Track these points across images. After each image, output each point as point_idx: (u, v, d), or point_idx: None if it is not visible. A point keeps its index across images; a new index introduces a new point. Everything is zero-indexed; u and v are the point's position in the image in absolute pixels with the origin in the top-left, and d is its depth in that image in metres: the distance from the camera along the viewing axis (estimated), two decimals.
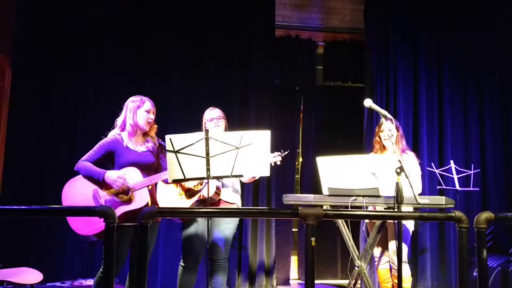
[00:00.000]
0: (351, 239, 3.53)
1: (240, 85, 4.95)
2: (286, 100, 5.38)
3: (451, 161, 4.51)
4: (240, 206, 3.32)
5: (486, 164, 5.05)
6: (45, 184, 4.43)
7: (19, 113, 4.55)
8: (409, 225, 3.58)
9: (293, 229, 5.37)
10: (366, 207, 3.26)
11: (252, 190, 4.81)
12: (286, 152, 3.16)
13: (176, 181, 2.76)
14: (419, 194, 3.23)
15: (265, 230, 4.84)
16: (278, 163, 3.13)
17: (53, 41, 4.65)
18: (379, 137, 3.71)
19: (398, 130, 3.66)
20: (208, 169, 2.66)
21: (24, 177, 4.46)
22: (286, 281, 5.07)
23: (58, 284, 4.16)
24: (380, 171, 3.16)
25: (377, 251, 3.66)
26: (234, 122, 4.30)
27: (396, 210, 2.82)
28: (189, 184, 3.05)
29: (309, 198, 3.59)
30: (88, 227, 2.77)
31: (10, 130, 4.53)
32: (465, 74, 5.19)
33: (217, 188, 3.11)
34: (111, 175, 2.84)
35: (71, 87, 4.68)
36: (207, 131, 2.70)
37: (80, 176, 2.92)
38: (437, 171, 4.47)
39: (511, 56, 5.16)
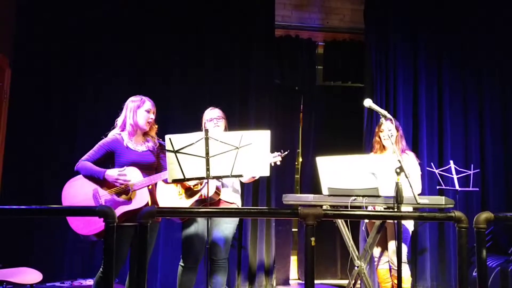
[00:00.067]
0: (351, 239, 3.53)
1: (240, 85, 4.96)
2: (286, 100, 5.38)
3: (451, 161, 4.51)
4: (240, 206, 3.32)
5: (486, 164, 5.05)
6: (45, 184, 4.43)
7: (19, 113, 4.55)
8: (409, 225, 3.58)
9: (293, 229, 5.37)
10: (366, 207, 3.26)
11: (252, 190, 4.81)
12: (286, 152, 3.16)
13: (176, 181, 2.76)
14: (418, 194, 3.24)
15: (265, 230, 4.85)
16: (278, 163, 3.13)
17: (53, 41, 4.65)
18: (379, 137, 3.71)
19: (398, 130, 3.66)
20: (207, 169, 2.67)
21: (24, 177, 4.46)
22: (286, 281, 5.07)
23: (57, 284, 4.17)
24: (379, 171, 3.16)
25: (376, 251, 3.66)
26: (234, 122, 4.30)
27: (395, 210, 2.82)
28: (189, 183, 3.05)
29: (309, 198, 3.60)
30: (88, 227, 2.77)
31: (10, 130, 4.52)
32: (465, 74, 5.19)
33: (217, 188, 3.11)
34: (111, 173, 2.85)
35: (71, 87, 4.68)
36: (206, 131, 2.70)
37: (80, 176, 2.92)
38: (436, 171, 4.47)
39: (511, 56, 5.16)
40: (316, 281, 2.14)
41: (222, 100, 4.24)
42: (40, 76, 4.63)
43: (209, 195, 2.87)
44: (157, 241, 4.02)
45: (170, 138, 2.67)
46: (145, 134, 3.05)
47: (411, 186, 2.85)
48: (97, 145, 2.98)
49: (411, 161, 3.58)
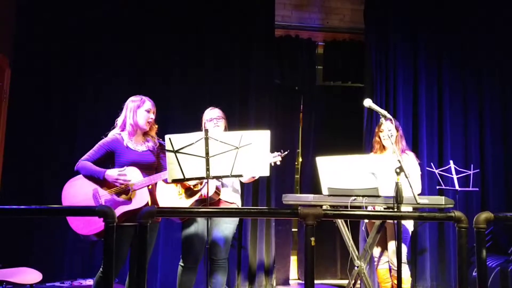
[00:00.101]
0: (351, 239, 3.53)
1: (240, 85, 4.96)
2: (286, 100, 5.38)
3: (451, 161, 4.51)
4: (239, 206, 3.32)
5: (486, 164, 5.05)
6: (45, 184, 4.43)
7: (19, 113, 4.55)
8: (409, 225, 3.58)
9: (293, 229, 5.37)
10: (366, 207, 3.26)
11: (251, 190, 4.81)
12: (286, 152, 3.16)
13: (176, 181, 2.76)
14: (418, 194, 3.24)
15: (264, 230, 4.85)
16: (278, 163, 3.13)
17: (53, 41, 4.65)
18: (379, 137, 3.71)
19: (397, 130, 3.66)
20: (207, 169, 2.67)
21: (24, 177, 4.46)
22: (286, 281, 5.07)
23: (57, 284, 4.17)
24: (379, 171, 3.16)
25: (376, 251, 3.66)
26: (234, 122, 4.30)
27: (395, 210, 2.82)
28: (189, 183, 3.05)
29: (309, 198, 3.60)
30: (88, 226, 2.77)
31: (10, 130, 4.52)
32: (465, 74, 5.19)
33: (217, 188, 3.11)
34: (111, 173, 2.85)
35: (71, 87, 4.68)
36: (206, 131, 2.70)
37: (80, 176, 2.92)
38: (436, 171, 4.47)
39: (511, 56, 5.16)
40: (316, 281, 2.14)
41: (222, 100, 4.24)
42: (40, 76, 4.63)
43: (209, 195, 2.86)
44: (157, 241, 4.02)
45: (170, 138, 2.67)
46: (145, 134, 3.06)
47: (411, 186, 2.85)
48: (97, 145, 2.98)
49: (411, 161, 3.58)
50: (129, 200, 2.86)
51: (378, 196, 3.18)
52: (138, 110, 2.99)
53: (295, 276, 5.32)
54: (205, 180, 2.87)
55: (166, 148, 2.68)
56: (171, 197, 3.04)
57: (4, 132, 4.52)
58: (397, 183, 2.83)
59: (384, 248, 3.63)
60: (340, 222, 3.56)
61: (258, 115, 4.90)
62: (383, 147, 3.73)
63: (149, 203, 2.91)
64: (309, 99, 5.49)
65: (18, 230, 4.31)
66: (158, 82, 4.75)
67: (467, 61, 5.19)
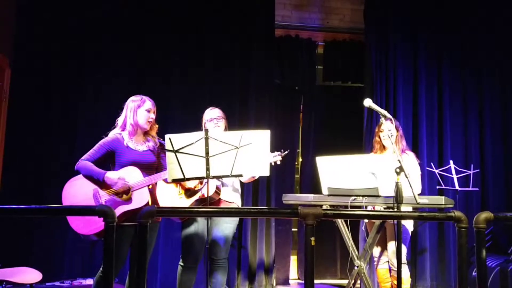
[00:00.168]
0: (351, 239, 3.54)
1: (240, 85, 4.96)
2: (286, 100, 5.38)
3: (451, 161, 4.51)
4: (239, 206, 3.32)
5: (486, 164, 5.05)
6: (45, 184, 4.43)
7: (19, 113, 4.55)
8: (408, 225, 3.58)
9: (293, 229, 5.37)
10: (366, 207, 3.26)
11: (251, 189, 4.81)
12: (286, 152, 3.16)
13: (176, 181, 2.76)
14: (418, 194, 3.24)
15: (264, 230, 4.85)
16: (278, 162, 3.13)
17: (53, 41, 4.65)
18: (379, 137, 3.71)
19: (397, 130, 3.66)
20: (207, 169, 2.67)
21: (24, 177, 4.46)
22: (286, 281, 5.07)
23: (57, 283, 4.17)
24: (379, 171, 3.16)
25: (376, 251, 3.66)
26: (234, 122, 4.30)
27: (395, 210, 2.82)
28: (189, 184, 3.05)
29: (309, 198, 3.60)
30: (88, 226, 2.77)
31: (10, 130, 4.53)
32: (465, 74, 5.19)
33: (217, 187, 3.12)
34: (111, 176, 2.85)
35: (71, 87, 4.68)
36: (206, 130, 2.70)
37: (80, 175, 2.92)
38: (436, 171, 4.48)
39: (511, 56, 5.16)
40: (316, 281, 2.14)
41: (222, 100, 4.24)
42: (40, 76, 4.63)
43: (209, 194, 2.86)
44: (157, 241, 4.01)
45: (170, 138, 2.67)
46: (146, 133, 3.06)
47: (411, 186, 2.85)
48: (97, 145, 2.98)
49: (411, 161, 3.58)
50: (129, 200, 2.86)
51: (378, 196, 3.18)
52: (138, 110, 2.99)
53: (295, 276, 5.33)
54: (205, 180, 2.87)
55: (166, 148, 2.68)
56: (171, 196, 3.04)
57: (4, 132, 4.52)
58: (397, 183, 2.83)
59: (384, 248, 3.63)
60: (340, 222, 3.56)
61: (258, 115, 4.90)
62: (383, 147, 3.73)
63: (149, 203, 2.91)
64: (309, 99, 5.50)
65: (18, 230, 4.31)
66: (158, 82, 4.75)
67: (467, 61, 5.19)
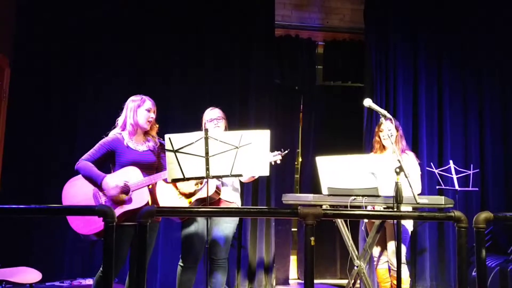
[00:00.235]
0: (350, 238, 3.54)
1: (240, 85, 4.96)
2: (286, 100, 5.38)
3: (451, 161, 4.51)
4: (239, 205, 3.32)
5: (486, 164, 5.05)
6: (45, 184, 4.43)
7: (19, 113, 4.55)
8: (408, 225, 3.58)
9: (293, 229, 5.37)
10: (366, 207, 3.26)
11: (251, 189, 4.81)
12: (286, 151, 3.16)
13: (176, 181, 2.76)
14: (418, 194, 3.24)
15: (264, 230, 4.85)
16: (279, 162, 3.13)
17: (53, 41, 4.65)
18: (379, 137, 3.71)
19: (397, 130, 3.66)
20: (207, 169, 2.67)
21: (24, 177, 4.46)
22: (286, 281, 5.08)
23: (57, 283, 4.17)
24: (379, 171, 3.17)
25: (376, 251, 3.66)
26: (234, 122, 4.30)
27: (395, 210, 2.82)
28: (184, 189, 3.04)
29: (309, 197, 3.60)
30: (88, 226, 2.77)
31: (10, 130, 4.53)
32: (465, 74, 5.19)
33: (217, 187, 3.12)
34: (109, 182, 2.82)
35: (71, 87, 4.68)
36: (206, 130, 2.70)
37: (80, 175, 2.92)
38: (436, 171, 4.48)
39: (511, 56, 5.16)
40: (315, 281, 2.14)
41: (222, 100, 4.23)
42: (40, 76, 4.63)
43: (209, 194, 2.86)
44: (157, 241, 4.02)
45: (169, 138, 2.67)
46: (146, 133, 3.05)
47: (410, 186, 2.85)
48: (97, 144, 2.98)
49: (411, 161, 3.58)
50: (129, 200, 2.86)
51: (378, 196, 3.18)
52: (138, 110, 2.99)
53: (294, 275, 5.33)
54: (205, 180, 2.87)
55: (166, 147, 2.68)
56: (171, 196, 3.04)
57: (4, 132, 4.52)
58: (397, 183, 2.83)
59: (384, 248, 3.63)
60: (340, 222, 3.56)
61: (258, 115, 4.90)
62: (383, 147, 3.73)
63: (149, 203, 2.91)
64: (309, 99, 5.50)
65: (18, 230, 4.31)
66: (158, 82, 4.76)
67: (467, 61, 5.19)
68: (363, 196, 3.22)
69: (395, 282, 3.29)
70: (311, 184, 5.02)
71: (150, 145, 3.04)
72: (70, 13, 4.70)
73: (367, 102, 3.09)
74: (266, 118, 4.90)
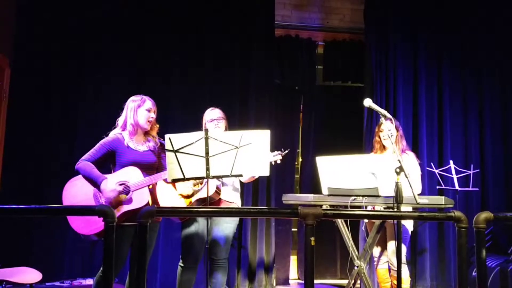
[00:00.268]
0: (351, 239, 3.54)
1: (240, 85, 4.96)
2: (286, 100, 5.38)
3: (451, 161, 4.51)
4: (239, 205, 3.32)
5: (486, 164, 5.05)
6: (45, 184, 4.43)
7: (19, 113, 4.55)
8: (408, 225, 3.58)
9: (293, 229, 5.37)
10: (366, 207, 3.26)
11: (251, 189, 4.81)
12: (287, 151, 3.16)
13: (176, 181, 2.76)
14: (418, 194, 3.24)
15: (264, 230, 4.85)
16: (279, 161, 3.13)
17: (53, 41, 4.65)
18: (379, 137, 3.71)
19: (397, 130, 3.66)
20: (207, 169, 2.67)
21: (24, 177, 4.46)
22: (286, 281, 5.07)
23: (57, 283, 4.16)
24: (379, 171, 3.17)
25: (376, 251, 3.66)
26: (234, 122, 4.30)
27: (395, 210, 2.82)
28: (184, 190, 3.04)
29: (309, 198, 3.60)
30: (88, 226, 2.77)
31: (10, 130, 4.52)
32: (465, 74, 5.19)
33: (217, 187, 3.12)
34: (107, 185, 2.82)
35: (71, 87, 4.68)
36: (206, 130, 2.70)
37: (81, 175, 2.92)
38: (436, 171, 4.48)
39: (511, 56, 5.16)
40: (315, 281, 2.14)
41: (222, 100, 4.23)
42: (40, 76, 4.63)
43: (209, 194, 2.86)
44: (157, 241, 4.01)
45: (169, 138, 2.67)
46: (146, 133, 3.05)
47: (411, 186, 2.85)
48: (98, 144, 2.98)
49: (411, 161, 3.58)
50: (129, 200, 2.86)
51: (378, 196, 3.18)
52: (138, 110, 2.99)
53: (295, 275, 5.33)
54: (205, 180, 2.87)
55: (166, 147, 2.67)
56: (171, 196, 3.04)
57: (4, 132, 4.52)
58: (397, 183, 2.83)
59: (384, 248, 3.63)
60: (340, 222, 3.56)
61: (258, 115, 4.90)
62: (383, 147, 3.73)
63: (150, 203, 2.91)
64: (309, 99, 5.50)
65: (18, 230, 4.31)
66: (158, 82, 4.75)
67: (467, 61, 5.19)
68: (363, 196, 3.22)
69: (395, 282, 3.29)
70: (311, 184, 5.02)
71: (150, 145, 3.04)
72: (70, 13, 4.70)
73: (367, 102, 3.09)
74: (266, 118, 4.90)
